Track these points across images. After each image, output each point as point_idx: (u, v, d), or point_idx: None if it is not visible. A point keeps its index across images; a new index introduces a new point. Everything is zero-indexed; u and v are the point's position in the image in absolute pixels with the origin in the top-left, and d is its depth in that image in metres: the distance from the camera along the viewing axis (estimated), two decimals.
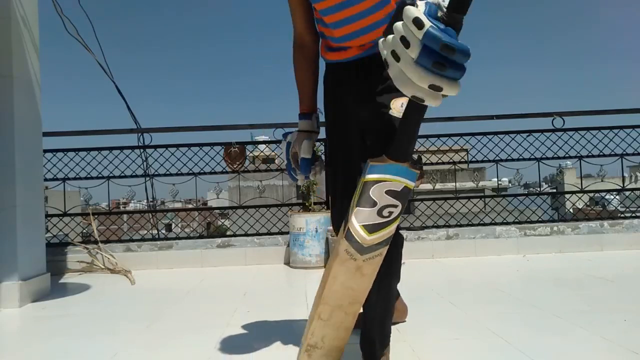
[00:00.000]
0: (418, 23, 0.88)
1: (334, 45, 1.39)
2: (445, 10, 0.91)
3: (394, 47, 0.92)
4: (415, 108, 1.04)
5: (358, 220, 1.11)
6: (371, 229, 1.11)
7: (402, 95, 1.12)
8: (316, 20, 1.41)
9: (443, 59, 0.88)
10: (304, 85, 1.47)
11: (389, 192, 1.10)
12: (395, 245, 1.25)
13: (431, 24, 0.88)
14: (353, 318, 1.23)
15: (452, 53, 0.87)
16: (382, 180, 1.09)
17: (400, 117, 1.13)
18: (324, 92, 1.50)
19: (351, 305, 1.22)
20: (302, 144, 1.42)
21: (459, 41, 0.88)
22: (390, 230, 1.13)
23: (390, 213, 1.11)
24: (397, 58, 0.92)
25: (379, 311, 1.32)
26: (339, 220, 1.44)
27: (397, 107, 1.24)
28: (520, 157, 3.77)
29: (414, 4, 0.91)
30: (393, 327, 1.69)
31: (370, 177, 1.09)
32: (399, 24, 0.91)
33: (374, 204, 1.10)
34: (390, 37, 0.94)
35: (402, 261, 1.45)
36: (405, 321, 1.86)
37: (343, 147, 1.43)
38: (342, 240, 1.14)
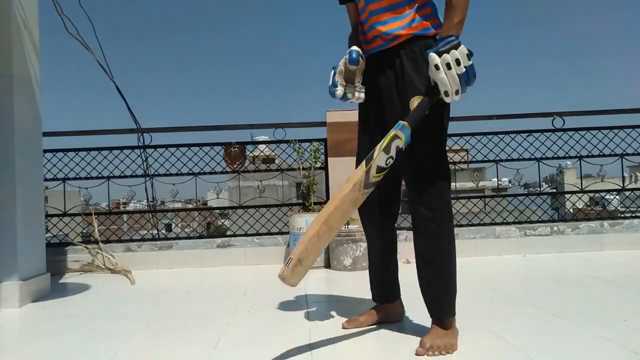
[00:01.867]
0: (469, 57, 1.42)
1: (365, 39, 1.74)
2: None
3: (450, 62, 1.40)
4: (431, 102, 1.50)
5: (377, 161, 1.47)
6: (378, 170, 1.47)
7: (419, 95, 1.53)
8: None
9: (469, 82, 1.44)
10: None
11: (397, 148, 1.48)
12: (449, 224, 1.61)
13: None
14: (326, 243, 1.51)
15: (474, 81, 1.44)
16: (399, 137, 1.47)
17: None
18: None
19: (336, 229, 1.50)
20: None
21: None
22: (380, 177, 1.49)
23: (388, 164, 1.48)
24: (449, 67, 1.41)
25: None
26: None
27: (414, 105, 1.55)
28: (520, 157, 3.77)
29: (460, 44, 1.42)
30: (392, 327, 1.69)
31: (397, 132, 1.47)
32: (455, 52, 1.41)
33: (389, 152, 1.47)
34: (447, 55, 1.41)
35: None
36: (400, 321, 1.86)
37: (373, 124, 1.72)
38: (360, 173, 1.47)
